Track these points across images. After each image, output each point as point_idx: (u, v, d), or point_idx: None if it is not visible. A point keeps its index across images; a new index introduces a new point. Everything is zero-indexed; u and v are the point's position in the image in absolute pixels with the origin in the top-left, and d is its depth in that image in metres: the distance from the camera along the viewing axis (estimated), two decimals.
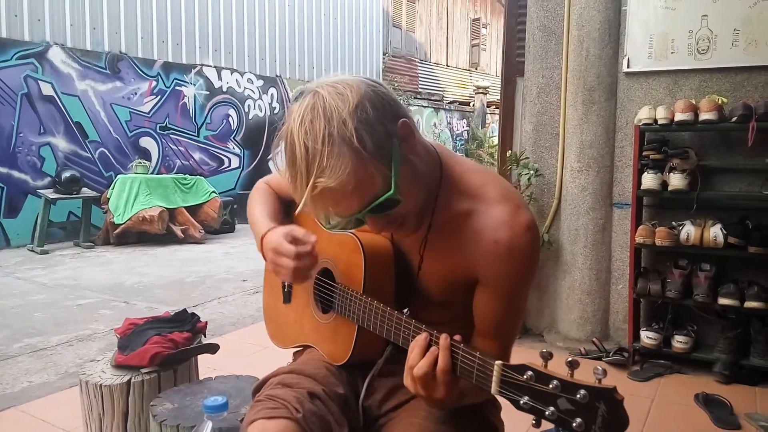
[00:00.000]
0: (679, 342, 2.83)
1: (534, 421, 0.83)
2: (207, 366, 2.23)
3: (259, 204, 1.33)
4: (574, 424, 0.78)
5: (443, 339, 0.93)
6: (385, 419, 1.14)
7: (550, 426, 0.82)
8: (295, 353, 1.36)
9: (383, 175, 0.93)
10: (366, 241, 1.14)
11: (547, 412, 0.80)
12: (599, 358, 2.95)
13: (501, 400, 0.91)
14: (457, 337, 0.94)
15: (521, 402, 0.83)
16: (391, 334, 1.05)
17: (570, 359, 0.81)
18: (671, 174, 2.82)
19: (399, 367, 1.13)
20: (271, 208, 1.32)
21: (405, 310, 1.05)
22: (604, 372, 0.78)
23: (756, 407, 2.48)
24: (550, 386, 0.80)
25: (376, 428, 1.14)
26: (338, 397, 1.12)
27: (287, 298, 1.36)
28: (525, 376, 0.83)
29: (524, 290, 1.07)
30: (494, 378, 0.86)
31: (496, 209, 1.03)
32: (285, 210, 1.36)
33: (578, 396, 0.77)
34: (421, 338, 0.96)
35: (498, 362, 0.86)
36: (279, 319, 1.39)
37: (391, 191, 0.93)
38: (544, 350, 0.84)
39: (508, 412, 1.25)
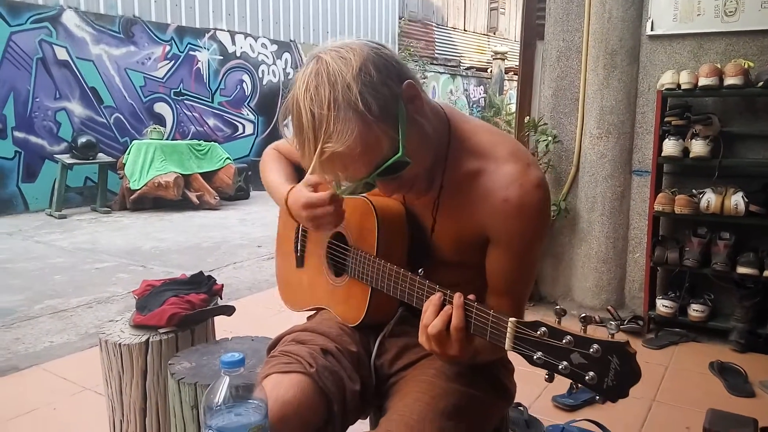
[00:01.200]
0: (695, 311, 2.81)
1: (547, 376, 0.85)
2: (223, 329, 2.25)
3: (272, 169, 1.34)
4: (587, 377, 0.80)
5: (457, 298, 0.95)
6: (396, 378, 1.16)
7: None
8: (309, 317, 1.37)
9: (390, 138, 0.93)
10: (379, 205, 1.13)
11: (560, 366, 0.82)
12: None
13: (515, 357, 0.92)
14: (471, 297, 0.95)
15: (535, 357, 0.85)
16: (405, 295, 1.06)
17: (584, 315, 0.84)
18: (693, 140, 2.76)
19: (410, 327, 1.15)
20: (285, 171, 1.33)
21: (420, 271, 1.05)
22: (618, 327, 0.82)
23: None
24: (564, 341, 0.82)
25: (387, 387, 1.16)
26: (351, 355, 1.15)
27: (300, 262, 1.36)
28: (538, 332, 0.84)
29: (535, 248, 1.07)
30: (508, 334, 0.88)
31: (505, 168, 1.03)
32: (297, 174, 1.36)
33: (591, 350, 0.79)
34: (435, 297, 0.97)
35: (512, 319, 0.88)
36: (292, 283, 1.40)
37: (399, 153, 0.93)
38: (558, 307, 0.87)
39: (520, 376, 1.25)
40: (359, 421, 1.19)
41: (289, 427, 1.01)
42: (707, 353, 2.66)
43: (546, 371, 0.85)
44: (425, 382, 1.07)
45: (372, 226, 1.12)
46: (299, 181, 1.27)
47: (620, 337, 0.80)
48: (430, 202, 1.10)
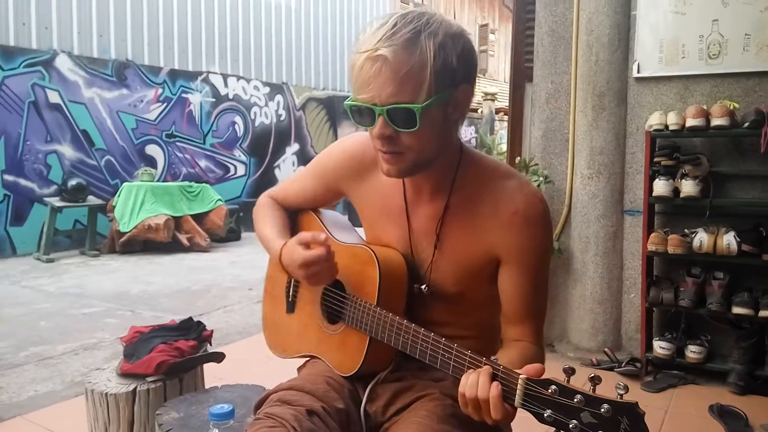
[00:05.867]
0: (692, 352, 2.78)
1: None
2: (213, 375, 2.20)
3: (266, 220, 1.34)
4: None
5: (494, 388, 0.91)
6: (389, 423, 1.14)
7: None
8: (298, 367, 1.34)
9: (426, 93, 0.98)
10: (381, 254, 1.14)
11: (570, 425, 0.82)
12: (611, 369, 2.90)
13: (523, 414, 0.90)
14: (493, 357, 0.96)
15: (545, 415, 0.84)
16: (407, 347, 1.06)
17: (592, 375, 0.84)
18: (683, 180, 2.78)
19: (402, 373, 1.18)
20: (279, 222, 1.34)
21: (423, 286, 1.13)
22: (626, 388, 0.81)
23: None
24: (575, 400, 0.82)
25: None
26: (338, 413, 1.13)
27: (290, 307, 1.34)
28: (549, 390, 0.84)
29: (545, 262, 1.13)
30: (518, 391, 0.88)
31: (507, 182, 1.11)
32: (291, 223, 1.37)
33: (602, 410, 0.80)
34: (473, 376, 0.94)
35: (522, 375, 0.88)
36: (281, 329, 1.37)
37: (418, 107, 0.97)
38: (566, 366, 0.86)
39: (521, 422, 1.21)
40: None
41: None
42: (706, 396, 2.63)
43: (555, 429, 0.84)
44: (416, 423, 1.07)
45: (374, 275, 1.13)
46: (292, 233, 1.27)
47: (629, 397, 0.80)
48: (434, 221, 1.13)
